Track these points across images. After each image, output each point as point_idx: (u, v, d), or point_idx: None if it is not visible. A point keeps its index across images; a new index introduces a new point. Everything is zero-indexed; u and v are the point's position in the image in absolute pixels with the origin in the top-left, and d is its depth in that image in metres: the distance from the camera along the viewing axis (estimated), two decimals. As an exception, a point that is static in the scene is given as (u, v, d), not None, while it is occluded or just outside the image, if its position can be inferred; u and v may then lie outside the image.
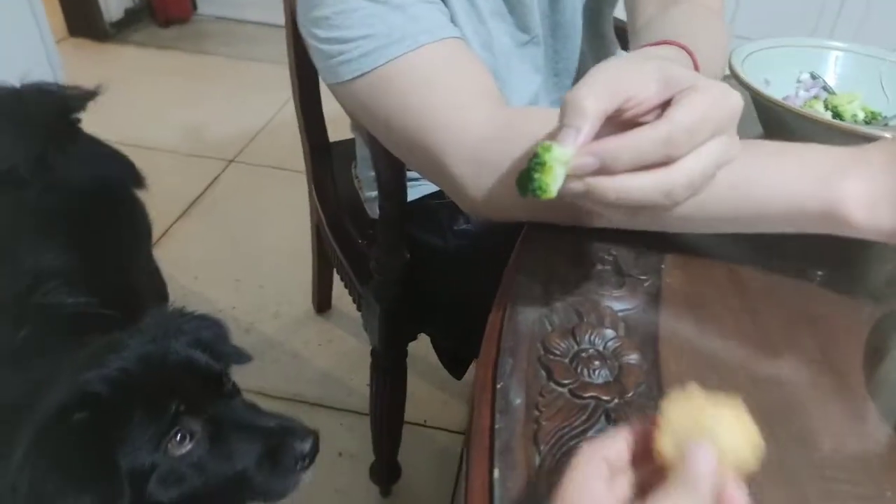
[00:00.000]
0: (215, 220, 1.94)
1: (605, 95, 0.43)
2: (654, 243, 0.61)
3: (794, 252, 0.60)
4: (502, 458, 0.43)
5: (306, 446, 0.71)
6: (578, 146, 0.42)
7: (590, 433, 0.45)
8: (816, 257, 0.60)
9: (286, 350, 1.56)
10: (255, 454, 0.69)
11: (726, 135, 0.45)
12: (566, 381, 0.48)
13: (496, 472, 0.42)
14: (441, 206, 0.94)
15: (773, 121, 0.73)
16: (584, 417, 0.46)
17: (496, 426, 0.45)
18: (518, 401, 0.47)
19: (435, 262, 0.94)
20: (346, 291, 1.15)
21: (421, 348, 1.10)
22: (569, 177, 0.43)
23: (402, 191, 0.90)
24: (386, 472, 1.27)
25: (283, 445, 0.70)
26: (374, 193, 0.97)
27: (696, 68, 0.59)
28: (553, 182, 0.42)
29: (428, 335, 1.05)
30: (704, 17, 0.72)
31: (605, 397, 0.47)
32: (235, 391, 0.76)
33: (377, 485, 1.28)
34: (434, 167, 0.65)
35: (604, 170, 0.42)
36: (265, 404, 0.75)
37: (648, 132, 0.42)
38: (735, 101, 0.44)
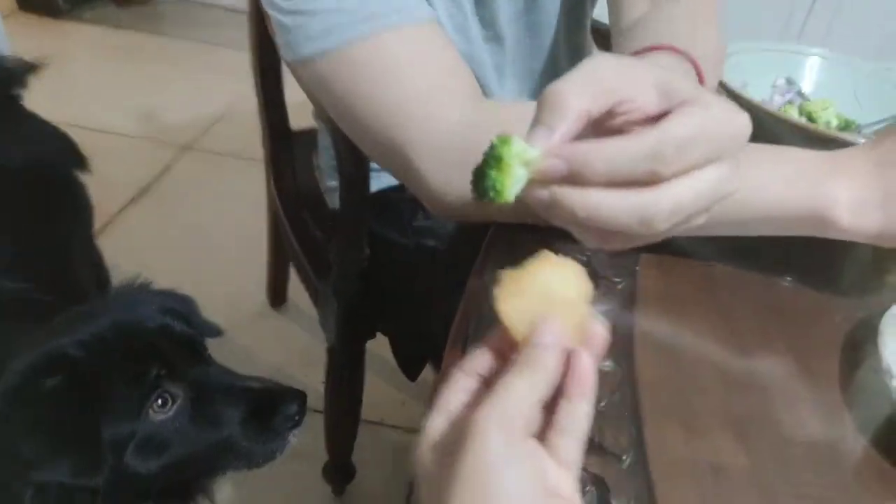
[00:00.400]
0: (167, 209, 1.86)
1: (593, 93, 0.36)
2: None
3: (770, 252, 0.58)
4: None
5: (293, 407, 0.69)
6: (549, 148, 0.35)
7: (561, 444, 0.42)
8: (789, 258, 0.59)
9: (238, 344, 1.50)
10: (239, 417, 0.68)
11: (727, 163, 0.37)
12: (536, 388, 0.45)
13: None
14: (402, 200, 0.90)
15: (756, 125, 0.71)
16: (554, 427, 0.43)
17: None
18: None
19: (394, 258, 0.91)
20: (303, 286, 1.10)
21: (378, 345, 1.06)
22: (532, 182, 0.36)
23: (365, 181, 0.86)
24: (340, 471, 1.23)
25: (270, 407, 0.68)
26: (336, 183, 0.93)
27: (702, 81, 0.53)
28: (510, 184, 0.35)
29: (385, 334, 1.01)
30: (706, 16, 0.65)
31: (577, 406, 0.44)
32: (211, 359, 0.73)
33: (330, 484, 1.24)
34: (397, 160, 0.61)
35: (574, 178, 0.35)
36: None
37: (633, 141, 0.35)
38: (742, 122, 0.37)
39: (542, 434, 0.33)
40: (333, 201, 0.98)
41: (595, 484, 0.40)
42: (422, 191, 0.61)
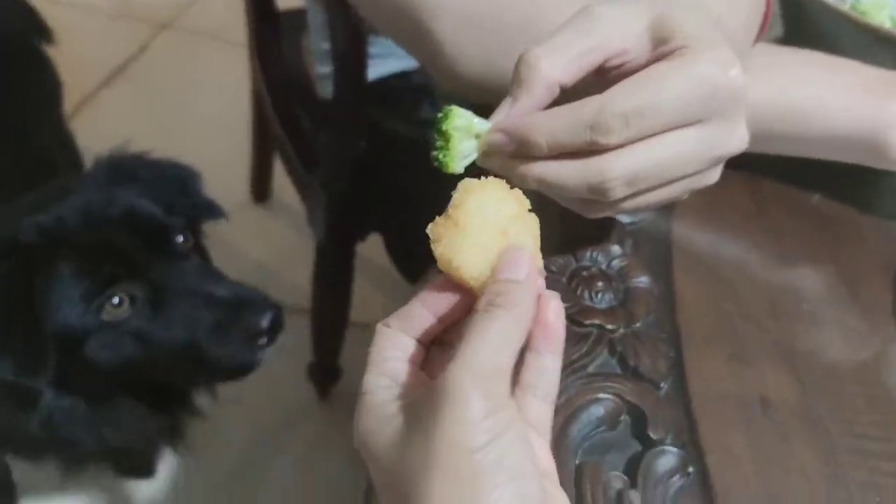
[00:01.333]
0: (142, 92, 1.75)
1: (572, 56, 0.33)
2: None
3: (826, 173, 0.52)
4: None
5: (264, 321, 0.62)
6: (496, 122, 0.34)
7: (590, 368, 0.38)
8: (848, 181, 0.53)
9: (220, 240, 1.43)
10: (204, 326, 0.61)
11: (715, 123, 0.33)
12: (565, 305, 0.40)
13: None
14: (406, 89, 0.83)
15: (806, 23, 0.63)
16: (584, 349, 0.38)
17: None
18: (507, 325, 0.38)
19: (393, 151, 0.84)
20: (287, 180, 1.03)
21: (367, 246, 1.01)
22: (487, 153, 0.35)
23: (361, 64, 0.78)
24: (325, 373, 1.20)
25: (238, 318, 0.61)
26: (328, 70, 0.85)
27: (768, 13, 0.46)
28: (455, 156, 0.34)
29: (380, 232, 0.95)
30: None
31: (609, 326, 0.39)
32: (191, 250, 0.66)
33: (315, 385, 1.22)
34: (407, 21, 0.53)
35: (521, 151, 0.33)
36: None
37: (568, 112, 0.32)
38: (733, 77, 0.32)
39: None
40: (325, 89, 0.90)
41: (629, 413, 0.36)
42: (434, 57, 0.54)
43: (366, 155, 0.83)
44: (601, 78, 0.35)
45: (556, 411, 0.35)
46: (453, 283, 0.29)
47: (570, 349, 0.38)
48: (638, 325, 0.40)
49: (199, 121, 1.68)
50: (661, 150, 0.33)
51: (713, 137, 0.33)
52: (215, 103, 1.72)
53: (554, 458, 0.33)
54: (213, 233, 1.45)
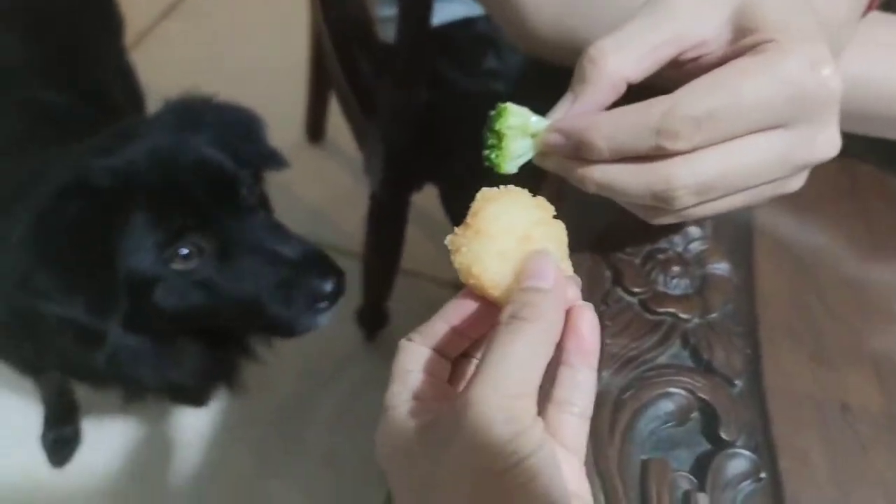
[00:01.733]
0: (199, 26, 1.73)
1: (644, 50, 0.31)
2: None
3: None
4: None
5: (326, 286, 0.62)
6: (554, 121, 0.32)
7: (660, 359, 0.36)
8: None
9: (275, 179, 1.44)
10: (268, 283, 0.62)
11: (800, 129, 0.30)
12: (637, 290, 0.38)
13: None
14: (469, 38, 0.79)
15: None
16: (655, 339, 0.37)
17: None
18: (577, 309, 0.37)
19: (455, 102, 0.81)
20: (342, 121, 1.02)
21: (421, 195, 0.99)
22: (543, 153, 0.33)
23: (427, 9, 0.74)
24: (373, 317, 1.22)
25: (301, 280, 0.62)
26: (391, 12, 0.82)
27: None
28: (507, 156, 0.32)
29: (436, 184, 0.93)
30: None
31: (683, 315, 0.38)
32: (259, 202, 0.67)
33: (362, 328, 1.23)
34: None
35: (579, 153, 0.31)
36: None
37: (633, 114, 0.30)
38: (825, 78, 0.29)
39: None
40: (386, 33, 0.87)
41: (700, 410, 0.34)
42: (505, 8, 0.51)
43: (427, 105, 0.81)
44: (675, 71, 0.32)
45: (624, 404, 0.34)
46: (475, 295, 0.28)
47: (641, 338, 0.36)
48: (714, 315, 0.38)
49: (256, 56, 1.67)
50: (737, 157, 0.30)
51: (798, 144, 0.30)
52: (273, 39, 1.70)
53: (620, 452, 0.32)
54: (267, 173, 1.46)
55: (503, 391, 0.23)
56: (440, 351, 0.28)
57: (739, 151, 0.30)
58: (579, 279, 0.28)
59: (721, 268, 0.40)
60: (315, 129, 1.49)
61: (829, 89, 0.29)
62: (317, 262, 0.63)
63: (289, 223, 1.40)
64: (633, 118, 0.30)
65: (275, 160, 0.69)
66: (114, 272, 0.57)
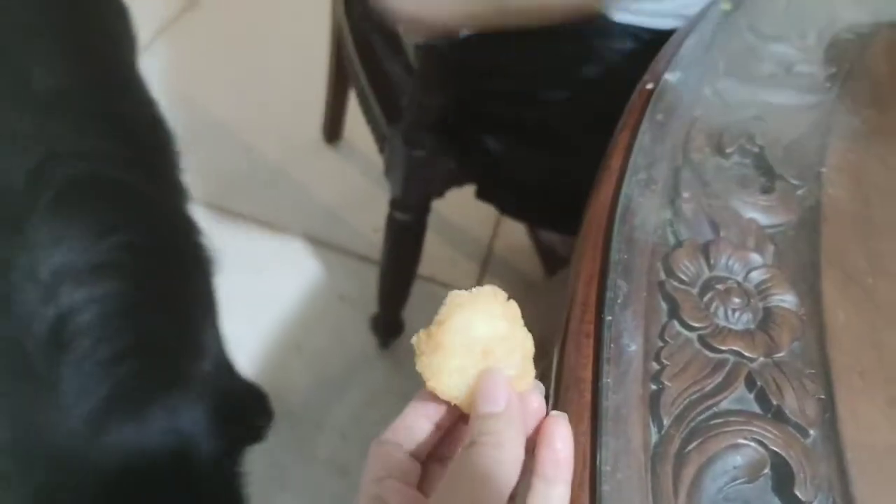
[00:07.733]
0: (219, 22, 1.70)
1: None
2: (812, 129, 0.45)
3: None
4: (611, 431, 0.31)
5: None
6: None
7: (724, 404, 0.33)
8: None
9: (291, 179, 1.42)
10: None
11: None
12: (696, 325, 0.35)
13: (602, 452, 0.30)
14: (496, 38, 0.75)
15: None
16: (718, 380, 0.33)
17: (603, 380, 0.32)
18: (633, 347, 0.33)
19: (486, 106, 0.77)
20: (360, 122, 0.98)
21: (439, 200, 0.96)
22: None
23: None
24: (388, 325, 1.18)
25: None
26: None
27: None
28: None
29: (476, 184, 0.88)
30: None
31: (747, 353, 0.34)
32: None
33: (377, 336, 1.20)
34: None
35: None
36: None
37: None
38: None
39: None
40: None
41: (772, 465, 0.31)
42: None
43: (455, 112, 0.78)
44: None
45: (688, 458, 0.30)
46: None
47: (703, 380, 0.33)
48: (781, 354, 0.34)
49: (275, 54, 1.64)
50: None
51: None
52: (292, 36, 1.67)
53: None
54: (282, 173, 1.44)
55: None
56: (410, 450, 0.28)
57: None
58: (542, 386, 0.28)
59: (786, 301, 0.36)
60: (332, 130, 1.45)
61: None
62: None
63: (303, 223, 1.37)
64: None
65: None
66: None
